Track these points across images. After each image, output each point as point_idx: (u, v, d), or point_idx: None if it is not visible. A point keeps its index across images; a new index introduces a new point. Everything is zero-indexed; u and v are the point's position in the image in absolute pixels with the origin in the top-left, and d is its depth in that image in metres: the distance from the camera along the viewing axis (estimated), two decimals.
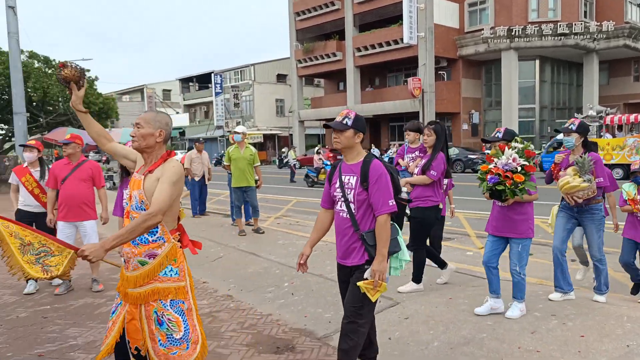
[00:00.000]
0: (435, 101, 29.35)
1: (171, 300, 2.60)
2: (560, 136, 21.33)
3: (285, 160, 33.69)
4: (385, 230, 2.82)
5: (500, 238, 4.21)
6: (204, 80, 51.14)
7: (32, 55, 24.88)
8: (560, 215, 4.58)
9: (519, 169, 3.86)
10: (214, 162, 30.54)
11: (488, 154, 4.18)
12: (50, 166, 5.80)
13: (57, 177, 5.31)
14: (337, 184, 2.97)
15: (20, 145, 6.20)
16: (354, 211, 2.89)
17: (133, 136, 2.68)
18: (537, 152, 24.15)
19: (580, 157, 4.20)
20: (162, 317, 2.57)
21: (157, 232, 2.59)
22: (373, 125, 36.40)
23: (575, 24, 27.34)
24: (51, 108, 24.52)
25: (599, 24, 27.93)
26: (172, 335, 2.57)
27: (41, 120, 24.10)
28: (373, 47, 31.78)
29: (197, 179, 10.82)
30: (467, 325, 3.97)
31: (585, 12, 29.88)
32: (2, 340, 4.12)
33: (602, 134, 19.36)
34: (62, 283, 5.44)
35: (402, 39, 28.84)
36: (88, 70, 26.49)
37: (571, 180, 4.13)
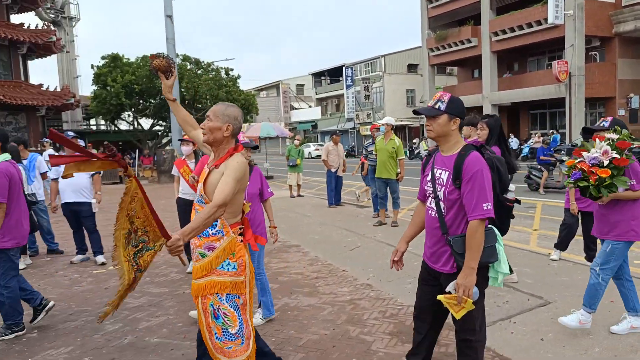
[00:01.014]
0: (585, 85, 26.60)
1: (227, 294, 2.56)
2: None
3: (416, 152, 33.22)
4: (476, 238, 2.40)
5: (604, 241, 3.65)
6: (335, 74, 52.28)
7: (185, 58, 27.52)
8: None
9: (606, 162, 3.31)
10: (344, 154, 31.18)
11: (578, 147, 3.61)
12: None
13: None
14: (429, 177, 2.63)
15: (179, 140, 6.90)
16: (443, 211, 2.54)
17: (203, 128, 2.65)
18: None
19: None
20: (217, 310, 2.56)
21: (216, 225, 2.57)
22: (511, 114, 34.16)
23: None
24: (200, 105, 26.96)
25: None
26: (227, 329, 2.56)
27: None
28: (512, 30, 29.69)
29: (333, 170, 11.17)
30: (633, 333, 3.60)
31: None
32: (173, 312, 4.67)
33: None
34: None
35: (546, 19, 26.56)
36: (231, 69, 28.58)
37: None
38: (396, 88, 45.01)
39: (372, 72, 48.24)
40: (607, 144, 3.39)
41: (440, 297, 2.49)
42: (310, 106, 56.03)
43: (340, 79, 48.99)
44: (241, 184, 2.58)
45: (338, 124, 48.02)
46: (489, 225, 2.52)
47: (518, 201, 3.12)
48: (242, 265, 2.61)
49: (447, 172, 2.51)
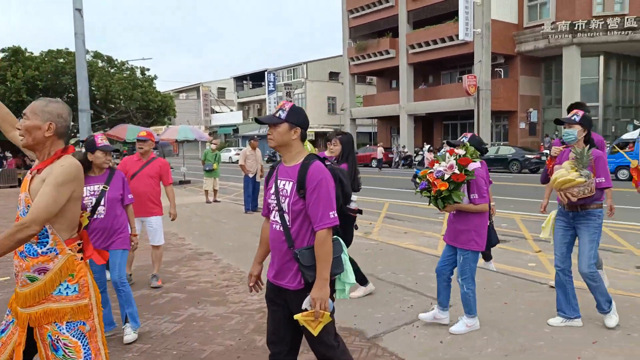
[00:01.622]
0: (491, 99, 28.50)
1: (68, 322, 2.20)
2: (626, 135, 20.20)
3: None
4: (326, 248, 2.33)
5: (452, 247, 3.97)
6: (257, 79, 52.02)
7: (97, 55, 26.12)
8: (557, 225, 4.05)
9: (447, 176, 3.59)
10: (265, 159, 31.05)
11: (437, 158, 3.82)
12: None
13: (127, 173, 5.47)
14: (273, 190, 2.50)
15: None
16: (288, 224, 2.42)
17: (19, 129, 2.26)
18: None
19: (580, 148, 3.71)
20: (57, 341, 2.19)
21: (47, 242, 2.19)
22: (426, 124, 35.80)
23: None
24: (113, 106, 25.69)
25: None
26: None
27: (104, 117, 25.29)
28: (427, 44, 31.21)
29: (250, 175, 11.04)
30: (524, 332, 3.85)
31: None
32: None
33: None
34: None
35: (457, 36, 28.18)
36: (147, 69, 27.50)
37: (566, 173, 3.66)
38: (318, 95, 45.63)
39: (294, 79, 48.56)
40: (454, 159, 3.64)
41: (297, 316, 2.36)
42: (231, 110, 55.24)
43: (263, 83, 48.82)
44: (71, 190, 2.17)
45: (260, 128, 47.74)
46: (335, 236, 2.45)
47: (360, 211, 3.16)
48: (84, 287, 2.26)
49: (291, 183, 2.42)
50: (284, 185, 2.46)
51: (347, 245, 2.75)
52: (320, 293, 2.32)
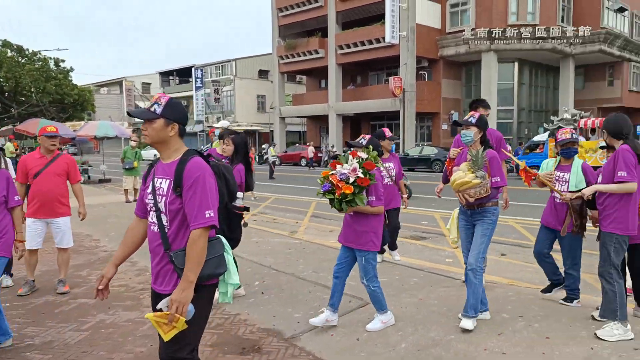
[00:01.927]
0: (416, 101, 29.50)
1: None
2: (537, 137, 21.63)
3: (265, 157, 33.54)
4: (196, 248, 2.18)
5: (349, 248, 3.96)
6: (184, 75, 50.55)
7: (5, 44, 24.21)
8: (460, 224, 4.22)
9: (352, 180, 3.60)
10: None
11: (338, 159, 3.86)
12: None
13: (29, 171, 5.07)
14: (150, 189, 2.35)
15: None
16: (165, 224, 2.28)
17: None
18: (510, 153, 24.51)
19: (475, 150, 3.85)
20: None
21: None
22: (354, 124, 36.45)
23: (552, 28, 27.74)
24: (23, 98, 23.92)
25: (575, 29, 28.40)
26: None
27: (13, 110, 23.48)
28: (355, 45, 31.77)
29: None
30: (436, 327, 3.96)
31: (562, 17, 30.33)
32: None
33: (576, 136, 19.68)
34: (25, 283, 5.25)
35: (384, 38, 28.89)
36: (63, 61, 25.85)
37: (463, 175, 3.79)
38: (247, 93, 45.09)
39: (222, 75, 47.67)
40: (357, 162, 3.66)
41: (148, 315, 2.21)
42: None
43: (190, 80, 47.49)
44: None
45: (186, 126, 46.40)
46: (217, 235, 2.35)
47: (247, 208, 3.13)
48: None
49: (168, 181, 2.28)
50: (160, 183, 2.31)
51: (236, 243, 2.71)
52: (180, 295, 2.15)
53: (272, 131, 40.93)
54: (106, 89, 58.56)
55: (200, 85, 44.41)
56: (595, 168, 4.37)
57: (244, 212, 2.70)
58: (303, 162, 31.81)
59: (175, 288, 2.21)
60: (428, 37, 29.95)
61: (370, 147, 3.84)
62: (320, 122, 38.15)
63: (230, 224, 2.52)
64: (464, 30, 28.66)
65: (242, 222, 2.66)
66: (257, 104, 46.10)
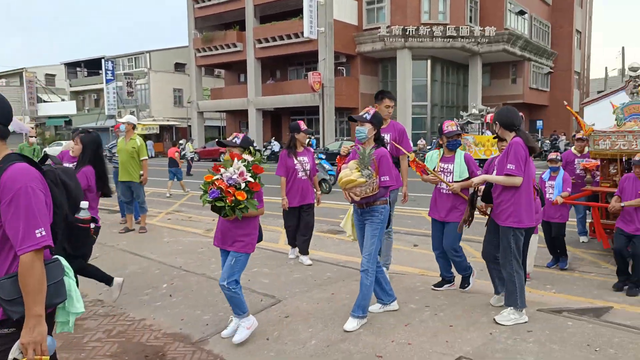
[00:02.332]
0: (335, 96, 29.85)
1: None
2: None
3: (182, 153, 32.45)
4: (34, 275, 1.80)
5: (226, 252, 3.77)
6: (93, 66, 47.52)
7: None
8: (355, 223, 4.18)
9: (243, 185, 3.38)
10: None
11: (221, 163, 3.58)
12: None
13: None
14: None
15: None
16: None
17: None
18: (414, 148, 25.58)
19: (363, 148, 3.77)
20: None
21: None
22: (275, 119, 36.24)
23: (461, 28, 29.16)
24: None
25: (482, 28, 30.07)
26: None
27: None
28: (274, 39, 31.53)
29: None
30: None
31: (470, 17, 31.99)
32: None
33: (483, 131, 20.92)
34: None
35: (302, 33, 28.91)
36: None
37: (349, 173, 3.70)
38: (163, 86, 43.34)
39: (136, 68, 45.46)
40: (244, 165, 3.43)
41: None
42: (63, 99, 49.86)
43: (100, 72, 44.81)
44: None
45: (98, 120, 43.86)
46: (54, 257, 1.98)
47: (94, 220, 2.55)
48: None
49: None
50: None
51: (85, 260, 2.37)
52: (32, 335, 1.80)
53: (189, 126, 39.71)
54: (4, 80, 53.82)
55: (112, 78, 42.03)
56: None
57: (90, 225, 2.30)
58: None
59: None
60: (346, 33, 30.37)
61: (252, 149, 3.61)
62: (240, 116, 37.54)
63: (73, 240, 2.18)
64: (379, 28, 29.37)
65: (91, 236, 2.33)
66: (174, 98, 44.47)
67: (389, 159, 3.87)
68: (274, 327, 3.96)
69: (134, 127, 8.03)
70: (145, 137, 42.74)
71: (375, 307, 4.13)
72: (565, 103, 8.95)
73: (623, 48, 48.20)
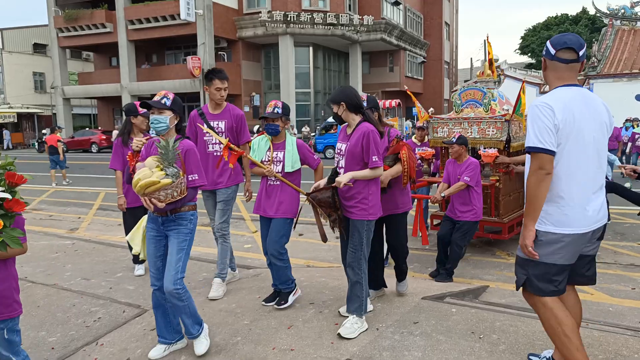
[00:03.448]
0: None
1: None
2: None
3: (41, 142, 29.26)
4: None
5: None
6: None
7: None
8: (149, 235, 3.19)
9: None
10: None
11: None
12: None
13: None
14: None
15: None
16: None
17: None
18: (298, 135, 25.70)
19: (164, 140, 2.94)
20: None
21: None
22: None
23: (341, 16, 29.58)
24: None
25: (361, 17, 30.80)
26: None
27: None
28: (148, 20, 29.40)
29: None
30: (223, 329, 3.52)
31: (349, 5, 32.62)
32: None
33: None
34: None
35: (179, 15, 27.31)
36: None
37: (149, 173, 2.85)
38: (20, 69, 38.60)
39: None
40: None
41: None
42: None
43: None
44: None
45: None
46: None
47: None
48: None
49: None
50: None
51: None
52: None
53: (54, 114, 35.88)
54: None
55: None
56: None
57: None
58: (94, 148, 28.66)
59: None
60: (226, 17, 29.29)
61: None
62: (113, 103, 34.69)
63: None
64: (260, 12, 28.74)
65: None
66: (35, 82, 39.87)
67: (197, 152, 3.14)
68: (137, 343, 3.40)
69: None
70: (0, 126, 37.99)
71: (157, 352, 3.18)
72: (406, 88, 9.17)
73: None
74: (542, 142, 2.33)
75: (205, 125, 4.12)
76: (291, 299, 3.90)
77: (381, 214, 3.52)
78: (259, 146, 3.89)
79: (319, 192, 3.42)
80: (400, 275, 4.04)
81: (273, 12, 28.49)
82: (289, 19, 28.40)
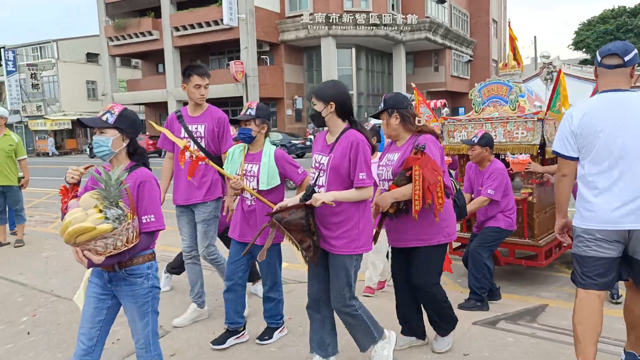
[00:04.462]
0: (259, 86, 28.81)
1: None
2: (373, 121, 22.49)
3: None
4: None
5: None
6: None
7: None
8: (90, 291, 2.43)
9: None
10: None
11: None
12: None
13: None
14: None
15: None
16: None
17: None
18: None
19: (105, 171, 2.17)
20: None
21: None
22: None
23: (384, 16, 29.04)
24: None
25: (404, 16, 30.14)
26: None
27: None
28: (192, 27, 29.87)
29: None
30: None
31: (392, 5, 32.00)
32: None
33: None
34: None
35: (222, 20, 27.57)
36: None
37: (81, 217, 2.08)
38: (74, 78, 40.21)
39: (42, 58, 41.84)
40: None
41: None
42: None
43: (0, 63, 40.85)
44: None
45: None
46: None
47: None
48: None
49: None
50: None
51: None
52: None
53: None
54: None
55: (13, 69, 38.38)
56: None
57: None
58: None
59: None
60: (268, 21, 29.35)
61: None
62: (159, 109, 35.48)
63: None
64: (302, 15, 28.61)
65: None
66: (87, 90, 41.42)
67: (155, 185, 2.38)
68: None
69: (5, 121, 6.76)
70: (56, 133, 39.61)
71: None
72: (414, 85, 7.86)
73: (535, 37, 50.76)
74: (559, 147, 2.63)
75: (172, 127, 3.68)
76: (276, 335, 3.42)
77: (370, 249, 2.82)
78: (232, 157, 3.34)
79: (286, 213, 2.66)
80: (437, 328, 3.14)
81: (315, 14, 28.30)
82: (330, 20, 28.13)
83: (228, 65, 30.02)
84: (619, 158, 2.45)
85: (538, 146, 4.88)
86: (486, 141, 4.32)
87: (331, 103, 2.70)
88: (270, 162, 3.16)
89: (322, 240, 2.74)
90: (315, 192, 2.70)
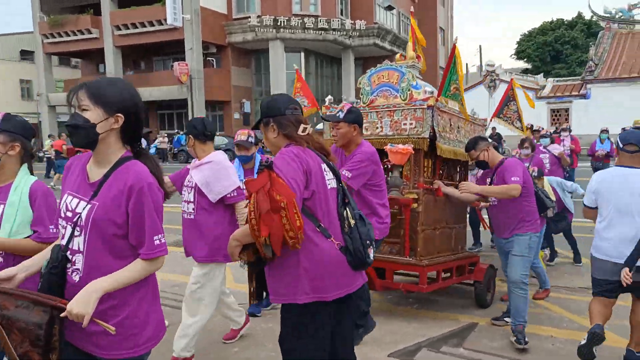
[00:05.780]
0: (205, 89, 28.01)
1: None
2: (319, 126, 22.23)
3: (44, 151, 28.44)
4: None
5: None
6: None
7: None
8: None
9: None
10: None
11: None
12: None
13: None
14: None
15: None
16: None
17: None
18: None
19: None
20: None
21: None
22: None
23: (333, 20, 28.93)
24: None
25: (353, 22, 30.16)
26: None
27: None
28: (135, 26, 28.71)
29: None
30: None
31: (341, 10, 31.94)
32: None
33: None
34: None
35: (166, 20, 26.63)
36: None
37: None
38: (7, 77, 37.79)
39: None
40: None
41: None
42: None
43: None
44: None
45: None
46: None
47: None
48: None
49: None
50: None
51: None
52: None
53: (40, 122, 35.13)
54: None
55: None
56: None
57: None
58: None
59: None
60: (215, 22, 28.61)
61: None
62: None
63: None
64: (249, 17, 28.09)
65: None
66: (22, 90, 39.11)
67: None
68: None
69: None
70: None
71: None
72: (295, 67, 7.41)
73: (480, 46, 52.29)
74: (585, 200, 3.57)
75: None
76: None
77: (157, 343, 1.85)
78: None
79: (11, 301, 1.61)
80: None
81: (263, 17, 27.83)
82: (279, 23, 27.75)
83: (172, 66, 29.09)
84: None
85: (428, 140, 4.18)
86: (354, 117, 3.39)
87: (118, 115, 1.72)
88: (22, 201, 2.20)
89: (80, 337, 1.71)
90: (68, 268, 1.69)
